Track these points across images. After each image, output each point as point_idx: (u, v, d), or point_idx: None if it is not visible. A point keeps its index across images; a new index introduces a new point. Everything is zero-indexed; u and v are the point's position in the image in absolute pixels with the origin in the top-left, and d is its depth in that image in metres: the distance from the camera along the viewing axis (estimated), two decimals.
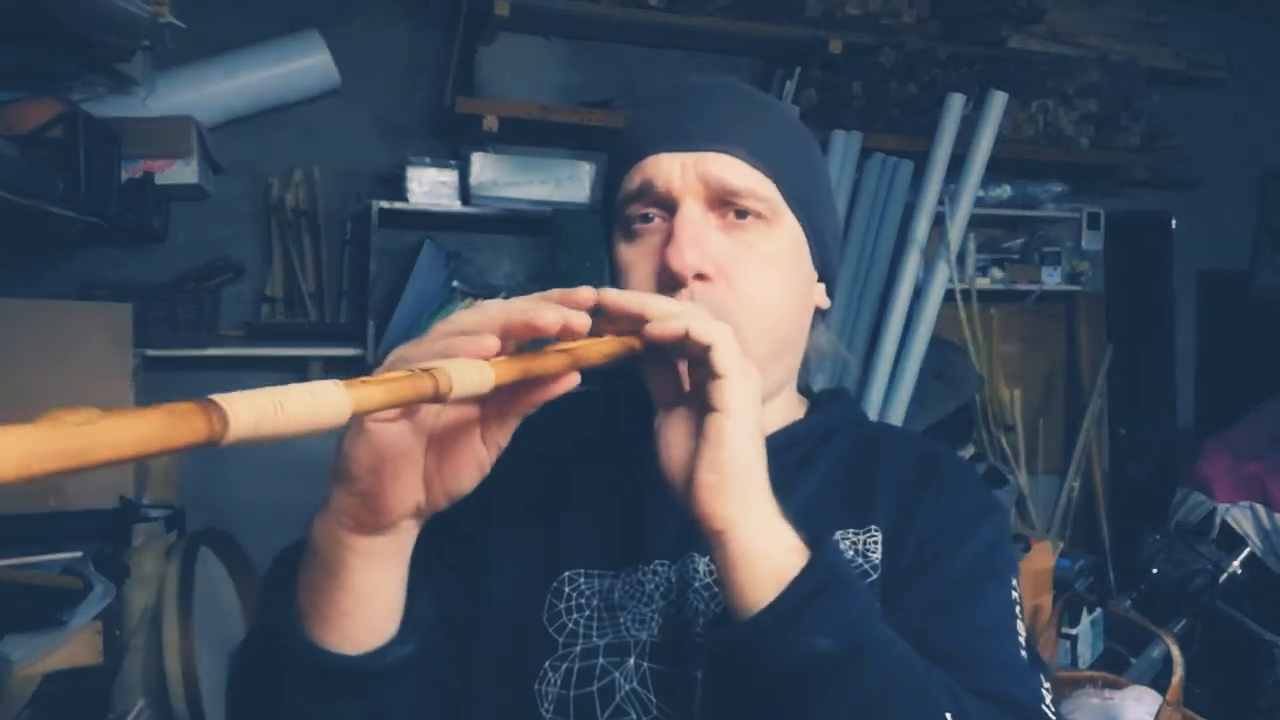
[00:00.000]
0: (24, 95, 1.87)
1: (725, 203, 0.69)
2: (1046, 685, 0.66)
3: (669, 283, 0.66)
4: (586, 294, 0.54)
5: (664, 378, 0.60)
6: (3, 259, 2.28)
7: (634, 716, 0.65)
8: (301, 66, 2.39)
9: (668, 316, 0.55)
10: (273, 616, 0.59)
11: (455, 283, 2.48)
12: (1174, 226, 3.42)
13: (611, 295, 0.56)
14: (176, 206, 2.31)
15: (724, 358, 0.54)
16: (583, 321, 0.52)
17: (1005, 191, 2.95)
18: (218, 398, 0.31)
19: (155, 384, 2.36)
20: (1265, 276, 3.52)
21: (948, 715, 0.55)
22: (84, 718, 1.63)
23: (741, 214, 0.69)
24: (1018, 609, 0.68)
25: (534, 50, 2.73)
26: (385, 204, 2.34)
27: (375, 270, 2.38)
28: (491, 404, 0.54)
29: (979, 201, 2.77)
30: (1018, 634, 0.67)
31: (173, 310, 2.20)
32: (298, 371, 2.53)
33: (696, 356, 0.56)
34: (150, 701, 1.86)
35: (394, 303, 2.38)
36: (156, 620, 1.91)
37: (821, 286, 0.77)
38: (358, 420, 0.50)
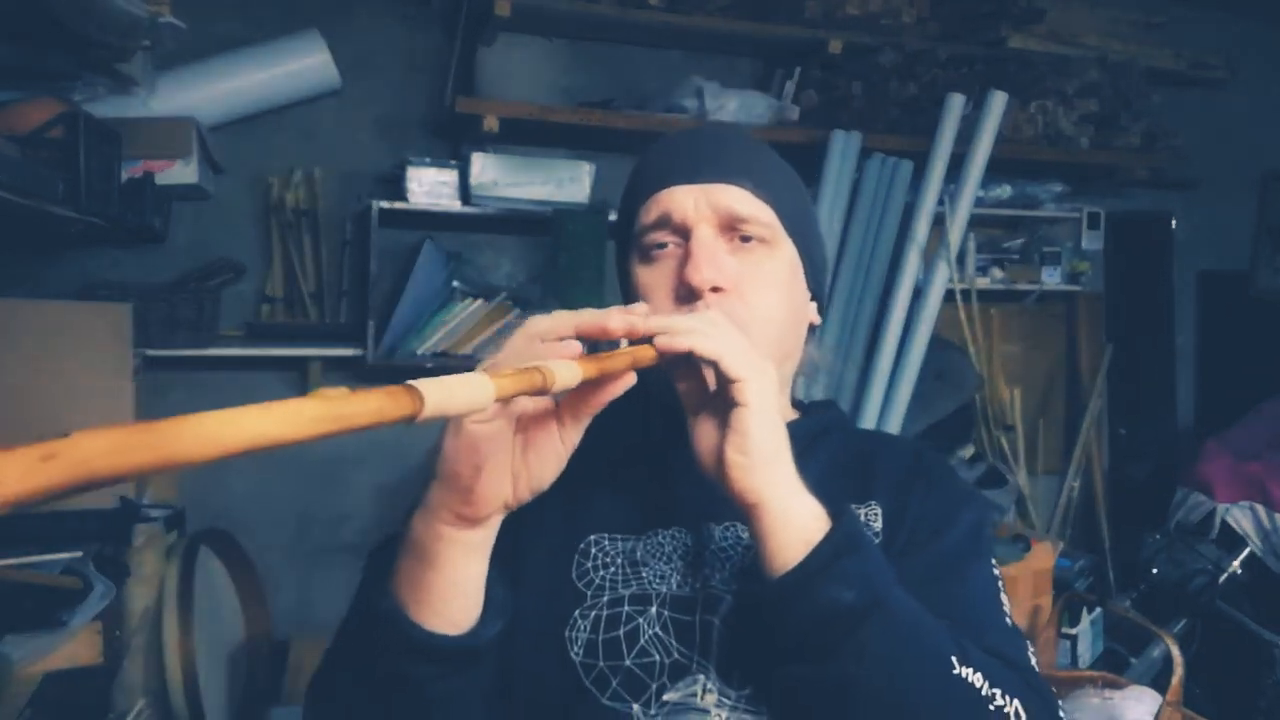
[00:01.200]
0: (24, 95, 1.87)
1: (733, 228, 0.79)
2: (1032, 650, 0.75)
3: (687, 297, 0.76)
4: (642, 308, 0.66)
5: (691, 382, 0.67)
6: (3, 259, 2.28)
7: (656, 657, 0.72)
8: (301, 66, 2.38)
9: (687, 332, 0.63)
10: (376, 605, 0.65)
11: (455, 283, 2.48)
12: (1174, 226, 3.42)
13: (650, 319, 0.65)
14: (177, 206, 2.31)
15: (733, 365, 0.62)
16: (645, 326, 0.62)
17: (1005, 191, 2.95)
18: (414, 383, 0.39)
19: (155, 384, 2.36)
20: (1265, 277, 3.52)
21: (953, 658, 0.63)
22: (84, 718, 1.63)
23: (747, 238, 0.79)
24: (999, 583, 0.78)
25: (534, 50, 2.73)
26: (385, 204, 2.34)
27: (375, 270, 2.38)
28: (567, 405, 0.63)
29: (979, 201, 2.77)
30: (1002, 604, 0.76)
31: (173, 310, 2.20)
32: (298, 371, 2.54)
33: (712, 367, 0.64)
34: (150, 701, 1.86)
35: (394, 303, 2.38)
36: (156, 620, 1.91)
37: (814, 305, 0.87)
38: (457, 424, 0.60)
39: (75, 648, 1.58)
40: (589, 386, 0.59)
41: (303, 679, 1.90)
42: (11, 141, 1.54)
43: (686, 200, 0.78)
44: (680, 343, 0.62)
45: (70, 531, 1.74)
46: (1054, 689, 2.21)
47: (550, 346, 0.59)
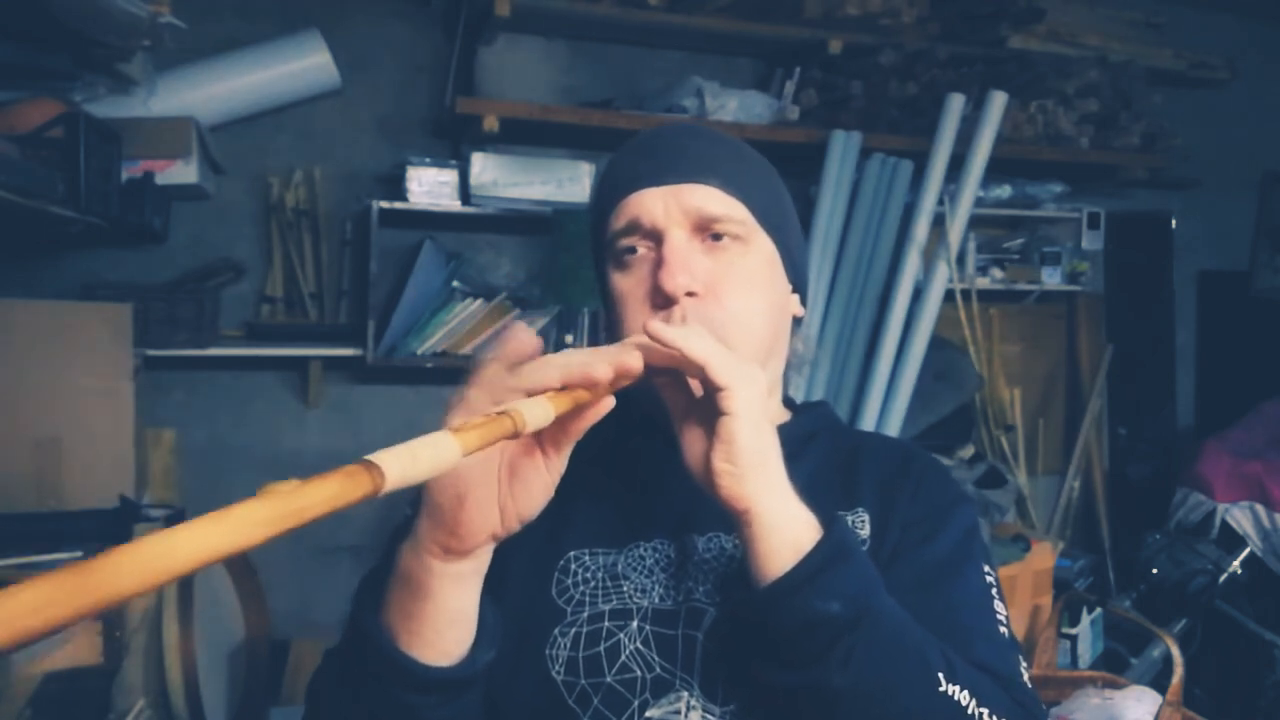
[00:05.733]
0: (24, 95, 1.87)
1: (705, 228, 0.77)
2: (1025, 664, 0.73)
3: (662, 303, 0.74)
4: (635, 356, 0.63)
5: (677, 390, 0.67)
6: (3, 259, 2.28)
7: (638, 673, 0.71)
8: (301, 66, 2.38)
9: (674, 339, 0.62)
10: (368, 636, 0.65)
11: (455, 283, 2.48)
12: (1174, 226, 3.42)
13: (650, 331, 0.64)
14: (177, 206, 2.31)
15: (719, 372, 0.62)
16: (628, 360, 0.60)
17: (1005, 191, 2.95)
18: (372, 458, 0.38)
19: (155, 384, 2.36)
20: (1264, 277, 3.52)
21: (940, 674, 0.62)
22: (84, 718, 1.63)
23: (720, 237, 0.77)
24: (994, 590, 0.76)
25: (534, 50, 2.73)
26: (385, 204, 2.34)
27: (375, 270, 2.38)
28: (548, 436, 0.62)
29: (979, 201, 2.77)
30: (996, 611, 0.74)
31: (173, 310, 2.20)
32: (298, 371, 2.54)
33: (698, 374, 0.63)
34: (150, 701, 1.86)
35: (394, 303, 2.38)
36: (156, 620, 1.91)
37: (796, 297, 0.85)
38: None
39: (75, 648, 1.58)
40: (566, 417, 0.58)
41: (303, 679, 1.90)
42: (11, 141, 1.54)
43: (655, 203, 0.76)
44: (671, 340, 0.61)
45: (70, 531, 1.74)
46: (1054, 689, 2.18)
47: (532, 386, 0.57)
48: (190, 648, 1.89)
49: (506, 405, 0.50)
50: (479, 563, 0.64)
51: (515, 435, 0.49)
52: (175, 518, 2.09)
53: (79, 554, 1.69)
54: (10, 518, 1.76)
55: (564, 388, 0.58)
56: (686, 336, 0.62)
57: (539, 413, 0.52)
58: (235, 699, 2.20)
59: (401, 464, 0.39)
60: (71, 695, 1.55)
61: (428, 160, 2.38)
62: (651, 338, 0.62)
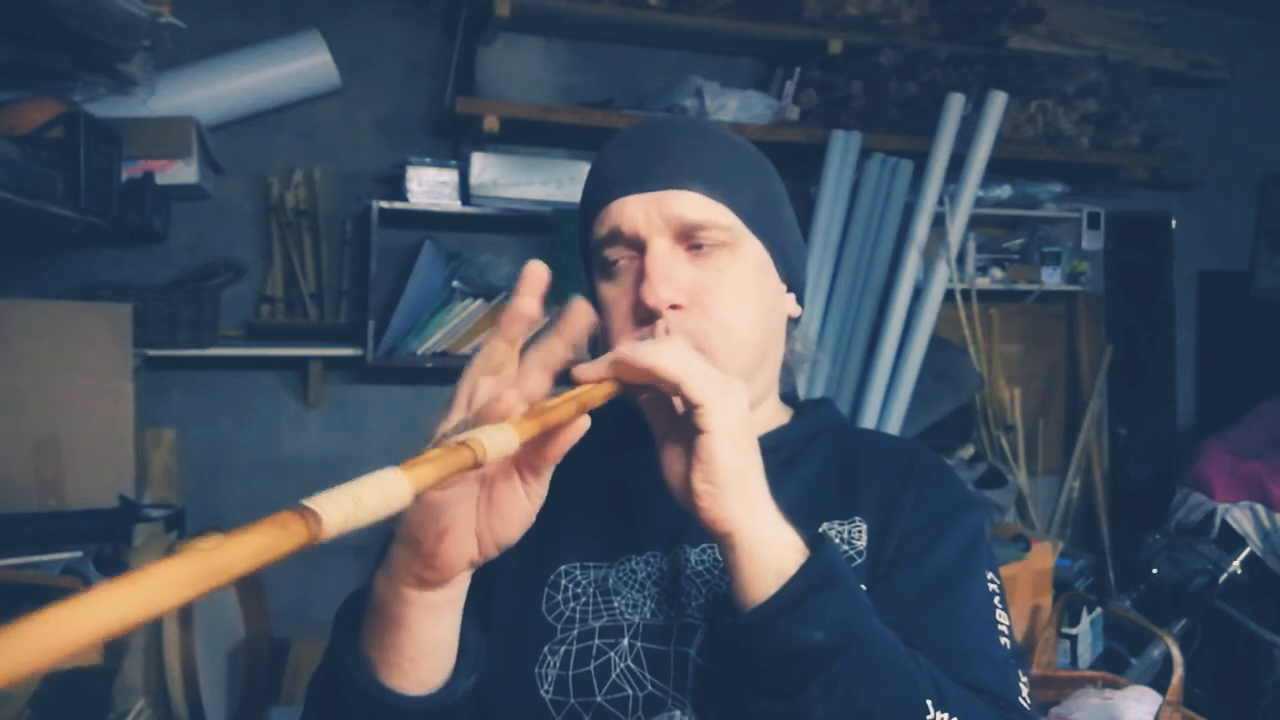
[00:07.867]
0: (24, 95, 1.87)
1: (688, 236, 0.74)
2: (1024, 679, 0.71)
3: (646, 316, 0.72)
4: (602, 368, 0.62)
5: (658, 406, 0.65)
6: (3, 259, 2.28)
7: (630, 692, 0.69)
8: (301, 66, 2.38)
9: (649, 354, 0.61)
10: (344, 665, 0.63)
11: (455, 283, 2.48)
12: (1174, 226, 3.42)
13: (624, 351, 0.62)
14: (177, 206, 2.31)
15: (695, 389, 0.60)
16: (597, 369, 0.60)
17: (1005, 191, 2.95)
18: (309, 502, 0.35)
19: (155, 384, 2.36)
20: (1264, 277, 3.52)
21: (929, 702, 0.60)
22: (84, 718, 1.63)
23: (705, 244, 0.74)
24: (997, 600, 0.73)
25: (534, 50, 2.73)
26: (385, 204, 2.34)
27: (375, 270, 2.38)
28: (524, 461, 0.60)
29: (979, 201, 2.77)
30: (998, 624, 0.71)
31: (173, 310, 2.20)
32: (298, 371, 2.54)
33: (675, 391, 0.62)
34: (150, 701, 1.86)
35: (394, 303, 2.38)
36: (156, 621, 1.91)
37: (791, 296, 0.83)
38: None
39: None
40: (540, 441, 0.56)
41: (303, 679, 1.90)
42: (11, 141, 1.54)
43: (637, 212, 0.73)
44: (642, 360, 0.60)
45: (70, 531, 1.75)
46: (1054, 689, 2.18)
47: (493, 410, 0.55)
48: (190, 647, 1.89)
49: (466, 435, 0.48)
50: (456, 590, 0.62)
51: (476, 466, 0.46)
52: (175, 518, 2.09)
53: (79, 554, 1.69)
54: (10, 518, 1.76)
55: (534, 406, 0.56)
56: (659, 354, 0.60)
57: (501, 440, 0.49)
58: (235, 699, 2.20)
59: (343, 509, 0.36)
60: (71, 695, 1.55)
61: (428, 160, 2.38)
62: (622, 362, 0.60)
